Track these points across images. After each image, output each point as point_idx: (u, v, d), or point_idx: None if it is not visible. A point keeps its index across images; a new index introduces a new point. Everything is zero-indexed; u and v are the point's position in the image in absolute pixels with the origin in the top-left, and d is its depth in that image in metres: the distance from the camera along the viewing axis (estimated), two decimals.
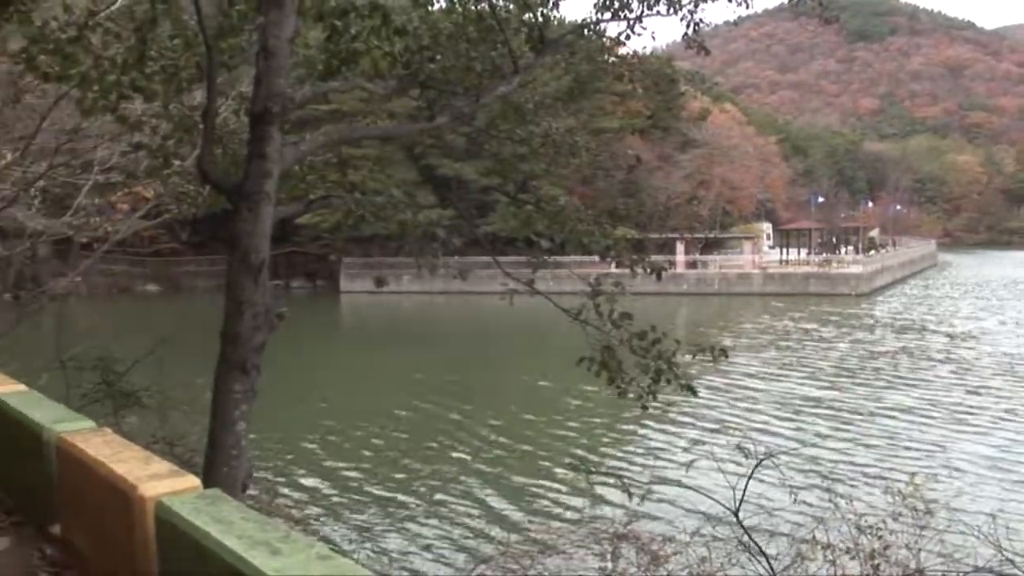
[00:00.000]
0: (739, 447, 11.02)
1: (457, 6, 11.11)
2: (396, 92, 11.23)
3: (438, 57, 10.79)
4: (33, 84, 20.83)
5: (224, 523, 3.04)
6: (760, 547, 10.16)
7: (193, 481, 3.62)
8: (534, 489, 17.12)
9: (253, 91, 8.18)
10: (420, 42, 10.60)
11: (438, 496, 16.53)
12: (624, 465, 18.31)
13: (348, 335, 49.69)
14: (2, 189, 23.87)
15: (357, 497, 16.48)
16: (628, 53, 12.84)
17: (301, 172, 10.48)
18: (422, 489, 16.97)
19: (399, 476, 17.84)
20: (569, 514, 15.49)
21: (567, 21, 15.53)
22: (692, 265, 71.44)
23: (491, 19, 10.51)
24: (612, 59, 12.79)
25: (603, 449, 20.31)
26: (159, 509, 3.36)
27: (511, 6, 10.97)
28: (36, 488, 4.77)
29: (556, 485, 17.18)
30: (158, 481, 3.58)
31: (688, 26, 11.25)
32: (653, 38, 12.20)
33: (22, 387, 5.75)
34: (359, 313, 61.01)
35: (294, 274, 74.82)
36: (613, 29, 11.57)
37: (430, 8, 11.81)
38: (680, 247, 69.46)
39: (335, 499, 16.34)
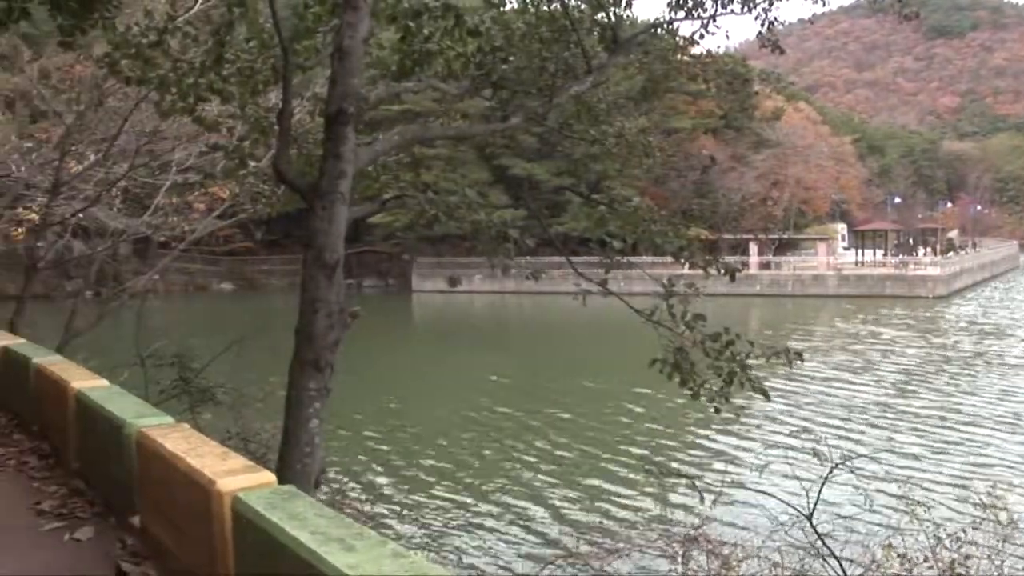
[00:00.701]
0: (813, 451, 10.87)
1: (530, 6, 11.11)
2: (469, 92, 11.27)
3: (511, 57, 10.80)
4: (115, 88, 21.30)
5: (299, 519, 3.08)
6: (834, 553, 10.01)
7: (268, 477, 3.67)
8: (603, 490, 17.05)
9: (328, 92, 8.26)
10: (493, 43, 10.62)
11: (506, 496, 16.53)
12: (695, 468, 18.15)
13: (419, 334, 49.89)
14: (84, 189, 24.39)
15: (425, 496, 16.53)
16: (701, 52, 12.74)
17: (375, 172, 10.55)
18: (490, 489, 16.98)
19: (467, 476, 17.88)
20: (639, 516, 15.40)
21: (640, 21, 15.49)
22: (766, 266, 70.47)
23: (564, 19, 10.49)
24: (685, 58, 12.68)
25: (674, 451, 20.16)
26: (236, 503, 3.42)
27: (584, 6, 10.95)
28: (117, 480, 4.87)
29: (626, 487, 17.10)
30: (235, 476, 3.63)
31: (762, 24, 11.12)
32: (727, 37, 12.14)
33: (104, 382, 5.88)
34: (430, 312, 61.26)
35: (366, 273, 75.41)
36: (686, 28, 11.48)
37: (503, 9, 11.82)
38: (754, 248, 68.68)
39: (403, 498, 16.41)
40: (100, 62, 11.06)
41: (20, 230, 25.95)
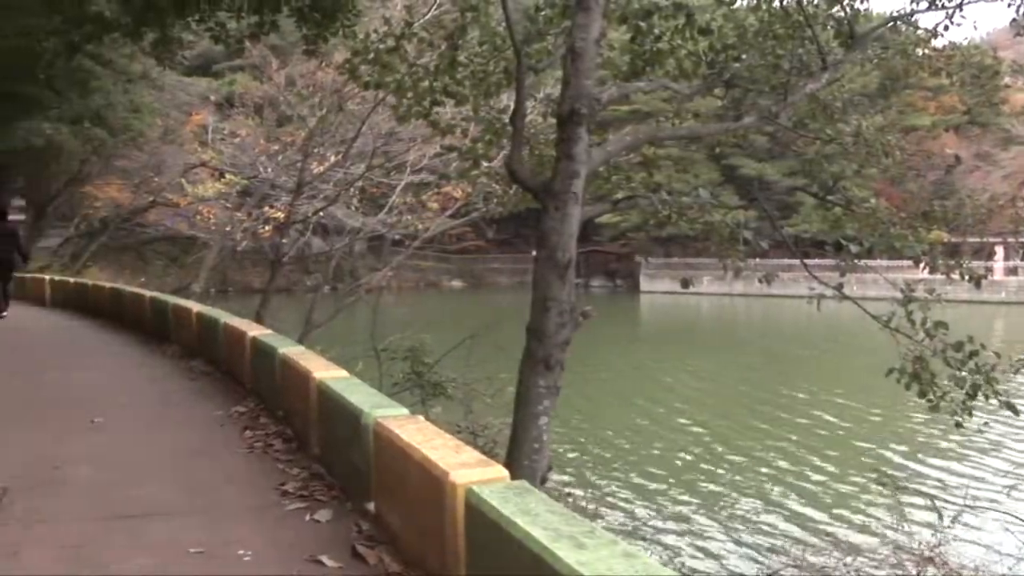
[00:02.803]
0: None
1: (762, 3, 10.88)
2: (700, 92, 11.15)
3: (743, 56, 10.62)
4: (354, 92, 22.22)
5: (530, 514, 3.11)
6: None
7: (501, 471, 3.73)
8: (829, 500, 16.46)
9: (560, 93, 8.34)
10: (725, 41, 10.48)
11: (729, 502, 16.19)
12: (932, 484, 17.27)
13: (645, 336, 49.61)
14: (324, 189, 25.57)
15: (644, 498, 16.41)
16: (944, 44, 12.13)
17: (607, 172, 10.59)
18: (713, 494, 16.68)
19: (686, 479, 17.64)
20: (869, 530, 14.81)
21: (877, 14, 14.88)
22: (1012, 272, 66.31)
23: (798, 15, 10.23)
24: (927, 52, 12.11)
25: (909, 465, 19.24)
26: (469, 496, 3.49)
27: (819, 1, 10.64)
28: (354, 467, 5.06)
29: (855, 498, 16.44)
30: (468, 469, 3.71)
31: (1017, 10, 10.49)
32: (975, 27, 11.51)
33: (344, 373, 6.14)
34: (658, 314, 60.78)
35: (594, 273, 75.69)
36: (929, 19, 10.99)
37: (735, 6, 11.64)
38: (1000, 252, 64.86)
39: (625, 499, 16.34)
40: (341, 68, 11.57)
41: (266, 228, 27.39)
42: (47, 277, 23.23)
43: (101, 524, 4.99)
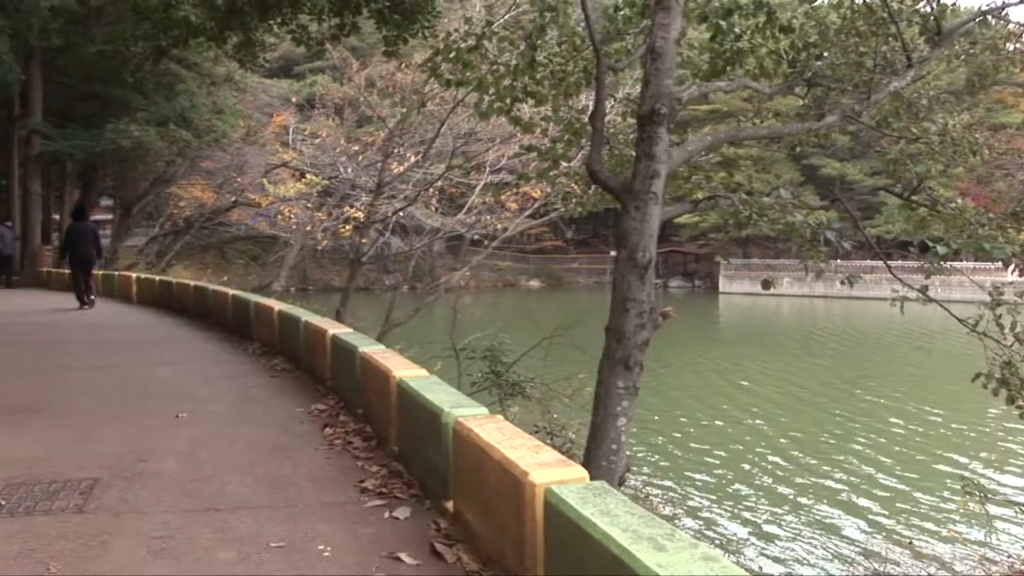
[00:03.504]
0: None
1: (845, 0, 10.71)
2: (781, 91, 11.02)
3: (825, 54, 10.47)
4: (433, 92, 22.39)
5: (610, 515, 3.11)
6: None
7: (580, 472, 3.73)
8: (913, 509, 16.11)
9: (640, 92, 8.32)
10: (806, 39, 10.35)
11: (804, 507, 15.96)
12: (1020, 494, 16.82)
13: (725, 337, 49.03)
14: (404, 189, 25.80)
15: (720, 502, 16.24)
16: None
17: (687, 172, 10.52)
18: (787, 498, 16.46)
19: (763, 484, 17.40)
20: (955, 541, 14.48)
21: (965, 8, 14.56)
22: None
23: (882, 11, 10.03)
24: (1018, 46, 11.80)
25: (998, 475, 18.77)
26: (548, 496, 3.48)
27: None
28: (433, 465, 5.09)
29: (939, 508, 16.08)
30: (547, 469, 3.71)
31: None
32: None
33: (424, 372, 6.17)
34: (737, 315, 60.06)
35: (672, 273, 75.37)
36: (1020, 13, 10.71)
37: (816, 3, 11.47)
38: None
39: (700, 501, 16.20)
40: (422, 67, 11.65)
41: (346, 227, 27.70)
42: (134, 275, 23.71)
43: (186, 516, 5.09)
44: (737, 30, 9.93)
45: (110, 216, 52.86)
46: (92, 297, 19.59)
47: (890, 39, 10.09)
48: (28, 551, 4.55)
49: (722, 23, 9.81)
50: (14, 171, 36.41)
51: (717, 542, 13.87)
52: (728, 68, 10.30)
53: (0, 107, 36.95)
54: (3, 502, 5.35)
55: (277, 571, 4.27)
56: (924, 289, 9.32)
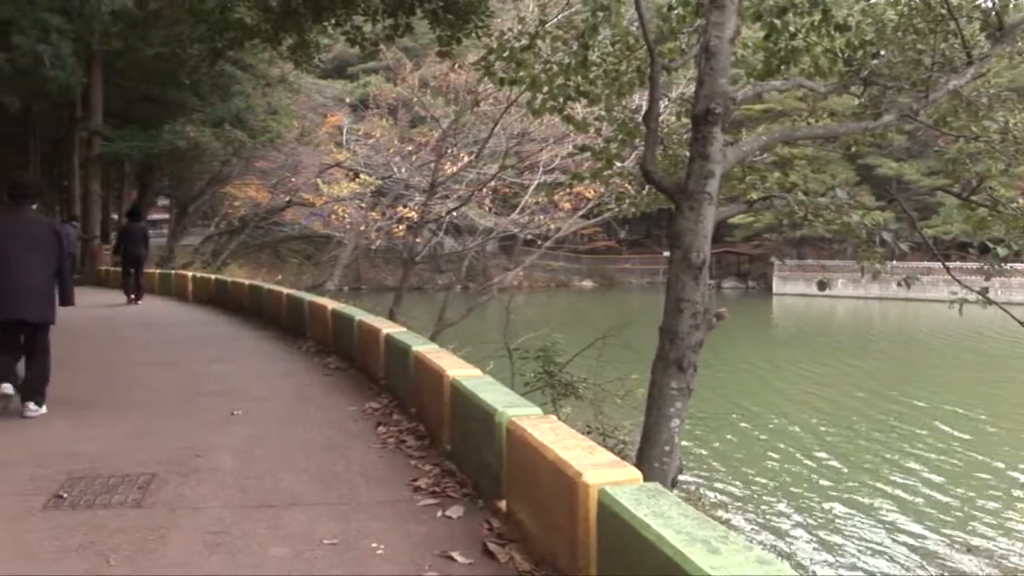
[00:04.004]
0: None
1: None
2: (837, 90, 10.90)
3: (882, 52, 10.33)
4: (487, 92, 22.45)
5: (664, 517, 3.09)
6: None
7: (634, 473, 3.72)
8: (974, 514, 15.86)
9: (695, 92, 8.27)
10: (862, 37, 10.21)
11: (862, 512, 15.74)
12: None
13: (779, 339, 48.51)
14: (457, 189, 25.90)
15: (774, 505, 16.07)
16: None
17: (741, 172, 10.44)
18: (845, 503, 16.24)
19: (819, 488, 17.18)
20: (1014, 542, 14.22)
21: None
22: None
23: (941, 7, 9.86)
24: None
25: None
26: (602, 497, 3.48)
27: None
28: (486, 465, 5.10)
29: (1004, 516, 15.80)
30: (601, 470, 3.70)
31: None
32: None
33: (477, 371, 6.19)
34: (791, 316, 59.29)
35: (726, 274, 74.85)
36: None
37: (873, 1, 11.33)
38: None
39: (756, 505, 16.05)
40: (476, 65, 11.68)
41: (400, 227, 27.84)
42: (190, 274, 24.04)
43: (241, 512, 5.15)
44: (792, 28, 9.82)
45: (167, 215, 53.56)
46: (140, 293, 20.53)
47: (949, 36, 9.92)
48: (89, 543, 4.66)
49: (776, 22, 9.71)
50: (75, 171, 37.10)
51: (771, 545, 13.76)
52: (783, 67, 10.20)
53: (62, 109, 37.67)
54: (65, 495, 5.48)
55: (330, 568, 4.30)
56: (984, 291, 9.18)
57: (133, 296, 20.23)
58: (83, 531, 4.83)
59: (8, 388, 7.75)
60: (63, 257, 8.19)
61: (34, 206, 8.40)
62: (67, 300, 8.36)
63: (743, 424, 22.34)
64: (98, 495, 5.49)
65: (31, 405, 7.82)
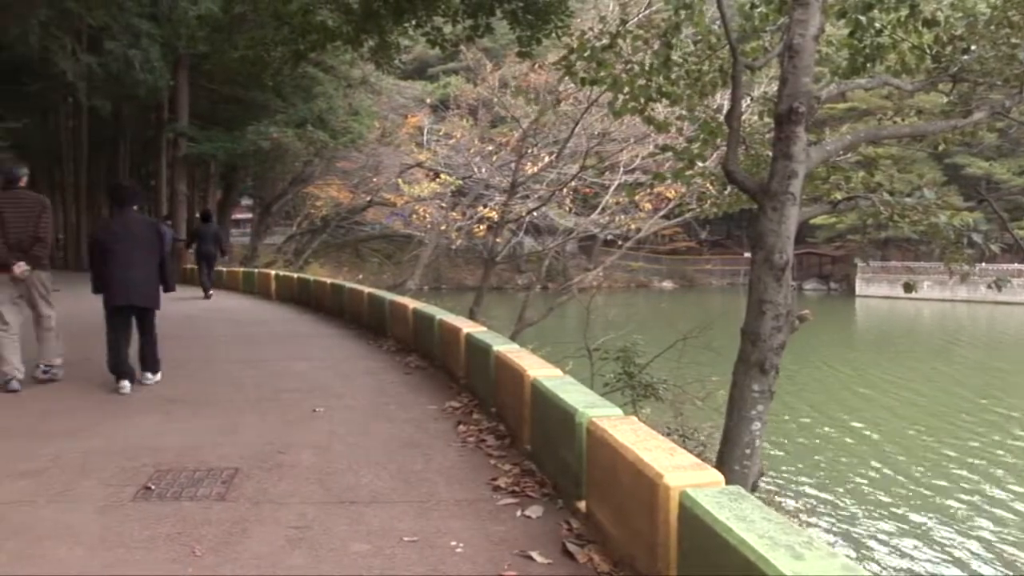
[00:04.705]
0: None
1: None
2: (924, 87, 10.69)
3: (972, 47, 10.08)
4: (567, 93, 22.43)
5: (746, 521, 3.06)
6: None
7: (716, 476, 3.68)
8: None
9: (778, 91, 8.17)
10: (952, 32, 9.98)
11: (950, 524, 15.38)
12: None
13: (861, 342, 47.64)
14: (537, 189, 25.92)
15: (857, 512, 15.77)
16: None
17: (824, 172, 10.29)
18: (932, 514, 15.89)
19: (905, 496, 16.84)
20: None
21: None
22: None
23: None
24: None
25: None
26: (683, 499, 3.45)
27: None
28: (566, 465, 5.09)
29: None
30: (682, 472, 3.67)
31: None
32: None
33: (558, 372, 6.18)
34: (874, 319, 58.08)
35: (807, 275, 73.84)
36: None
37: None
38: None
39: (839, 512, 15.78)
40: (557, 65, 11.66)
41: (480, 227, 27.94)
42: (273, 272, 24.42)
43: (322, 508, 5.21)
44: (878, 25, 9.65)
45: (250, 215, 54.44)
46: (210, 289, 22.23)
47: None
48: (176, 533, 4.78)
49: (862, 18, 9.54)
50: (162, 172, 37.94)
51: (853, 552, 13.53)
52: (868, 65, 10.02)
53: (150, 111, 38.58)
54: (153, 487, 5.64)
55: (410, 565, 4.33)
56: None
57: (207, 290, 21.96)
58: (170, 522, 4.96)
59: (127, 387, 9.02)
60: (163, 251, 9.44)
61: (135, 208, 9.56)
62: (168, 288, 9.68)
63: (824, 428, 22.01)
64: (184, 488, 5.62)
65: (148, 374, 9.49)
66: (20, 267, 9.07)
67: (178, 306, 18.39)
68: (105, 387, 9.18)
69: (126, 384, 9.02)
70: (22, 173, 9.51)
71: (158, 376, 9.56)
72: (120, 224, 9.24)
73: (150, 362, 9.55)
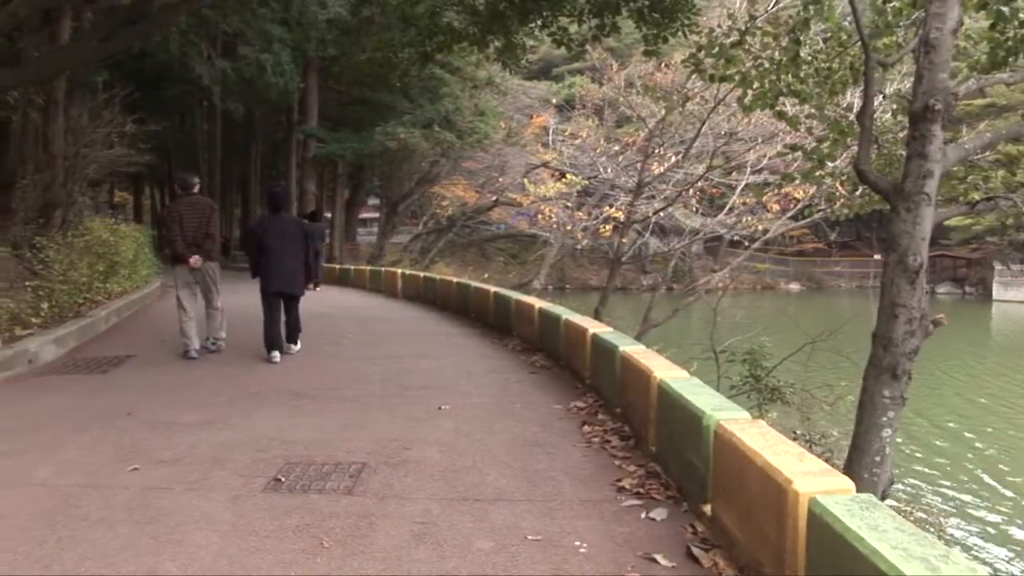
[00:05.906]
0: None
1: None
2: None
3: None
4: (694, 91, 22.21)
5: (878, 530, 2.99)
6: None
7: (846, 483, 3.60)
8: None
9: (913, 88, 7.95)
10: None
11: None
12: None
13: (1000, 347, 45.99)
14: (663, 190, 25.72)
15: (993, 522, 15.23)
16: None
17: (961, 172, 9.97)
18: None
19: None
20: None
21: None
22: None
23: None
24: None
25: None
26: (813, 506, 3.38)
27: None
28: (692, 468, 5.04)
29: None
30: (812, 478, 3.60)
31: None
32: None
33: (684, 373, 6.13)
34: (1013, 325, 55.82)
35: (940, 279, 71.62)
36: None
37: None
38: None
39: (978, 523, 15.25)
40: (686, 62, 11.56)
41: (606, 227, 27.86)
42: (399, 271, 24.80)
43: (447, 505, 5.27)
44: (1022, 16, 9.30)
45: (377, 214, 55.36)
46: (318, 281, 23.54)
47: None
48: (304, 525, 4.92)
49: (1005, 9, 9.19)
50: (291, 172, 38.91)
51: (990, 567, 13.09)
52: (1010, 59, 9.66)
53: (280, 113, 39.61)
54: (283, 479, 5.81)
55: (533, 563, 4.35)
56: None
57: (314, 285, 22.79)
58: (299, 514, 5.10)
59: (277, 356, 11.03)
60: (309, 248, 11.52)
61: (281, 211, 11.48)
62: (313, 278, 12.73)
63: (957, 436, 21.32)
64: (312, 481, 5.77)
65: (292, 346, 11.66)
66: (195, 259, 11.20)
67: (307, 304, 18.82)
68: (259, 357, 11.22)
69: (276, 354, 11.02)
70: (195, 181, 11.61)
71: (298, 346, 11.76)
72: (275, 224, 11.25)
73: (293, 336, 11.72)
